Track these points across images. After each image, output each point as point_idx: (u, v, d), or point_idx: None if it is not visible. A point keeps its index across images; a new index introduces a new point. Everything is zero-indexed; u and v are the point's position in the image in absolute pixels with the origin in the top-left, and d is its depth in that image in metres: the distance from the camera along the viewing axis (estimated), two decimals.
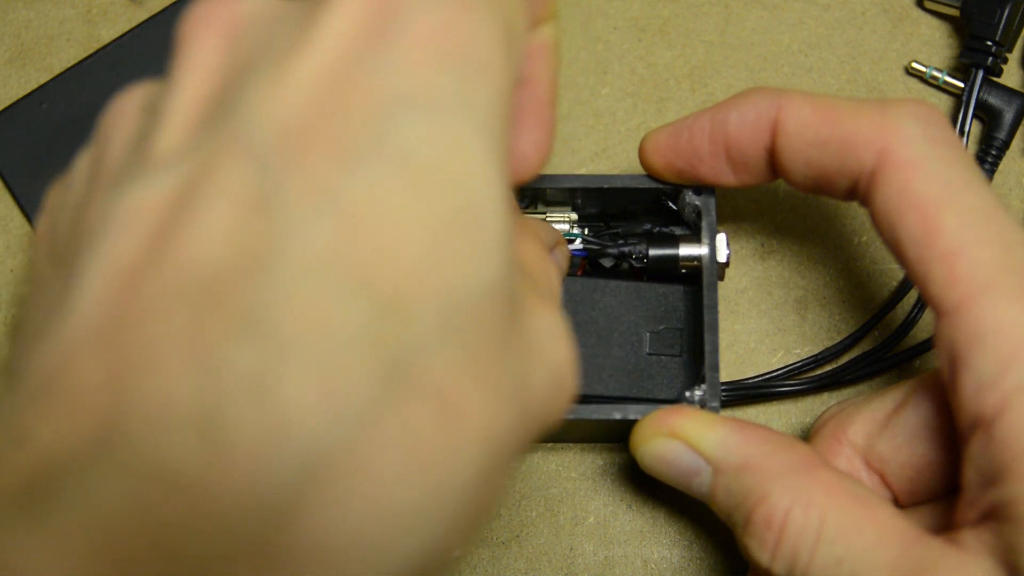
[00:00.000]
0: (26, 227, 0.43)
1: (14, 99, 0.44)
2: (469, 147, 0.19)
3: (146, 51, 0.44)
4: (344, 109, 0.19)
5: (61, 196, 0.23)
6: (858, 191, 0.31)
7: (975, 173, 0.30)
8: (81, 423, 0.17)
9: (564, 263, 0.34)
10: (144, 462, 0.17)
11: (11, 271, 0.43)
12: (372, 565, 0.18)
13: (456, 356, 0.19)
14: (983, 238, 0.28)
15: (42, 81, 0.44)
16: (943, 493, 0.32)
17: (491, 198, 0.19)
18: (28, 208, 0.43)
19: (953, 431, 0.29)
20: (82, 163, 0.23)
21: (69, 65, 0.45)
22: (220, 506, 0.17)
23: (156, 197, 0.18)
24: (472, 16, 0.20)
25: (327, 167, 0.18)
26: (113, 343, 0.17)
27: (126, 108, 0.23)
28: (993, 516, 0.27)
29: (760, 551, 0.30)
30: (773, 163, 0.33)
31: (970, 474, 0.28)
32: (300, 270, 0.17)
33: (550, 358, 0.22)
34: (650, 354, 0.37)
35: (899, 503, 0.33)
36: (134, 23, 0.45)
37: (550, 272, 0.27)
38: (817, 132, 0.31)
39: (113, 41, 0.45)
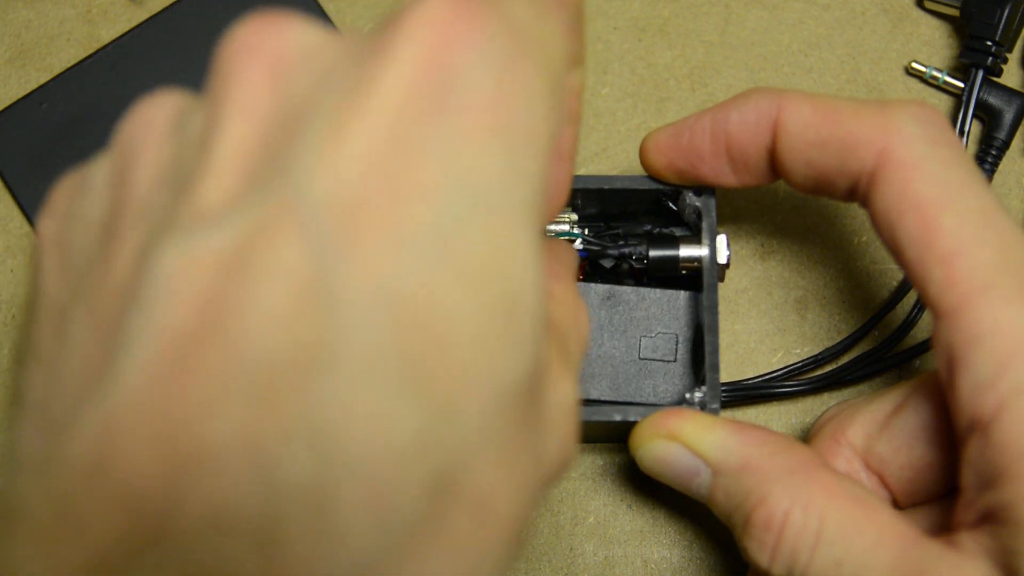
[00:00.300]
0: (26, 227, 0.43)
1: (14, 99, 0.44)
2: (514, 233, 0.19)
3: (146, 51, 0.44)
4: (397, 188, 0.18)
5: (74, 202, 0.22)
6: (858, 192, 0.31)
7: (975, 174, 0.30)
8: (139, 520, 0.17)
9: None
10: (200, 569, 0.17)
11: (11, 271, 0.43)
12: None
13: (493, 455, 0.19)
14: (982, 239, 0.28)
15: (42, 81, 0.44)
16: (942, 494, 0.32)
17: (531, 283, 0.19)
18: (28, 208, 0.43)
19: (952, 432, 0.29)
20: (101, 173, 0.22)
21: (69, 65, 0.45)
22: None
23: (206, 260, 0.18)
24: (526, 79, 0.19)
25: (381, 255, 0.18)
26: (165, 428, 0.17)
27: (154, 123, 0.21)
28: (990, 519, 0.27)
29: (759, 552, 0.30)
30: (773, 163, 0.33)
31: (968, 476, 0.28)
32: (357, 373, 0.17)
33: (561, 432, 0.22)
34: (643, 359, 0.37)
35: (898, 504, 0.33)
36: (134, 23, 0.45)
37: (580, 319, 0.26)
38: (817, 132, 0.31)
39: (113, 41, 0.45)
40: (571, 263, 0.31)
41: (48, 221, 0.23)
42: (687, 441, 0.32)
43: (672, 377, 0.37)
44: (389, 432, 0.17)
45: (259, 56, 0.20)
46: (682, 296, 0.37)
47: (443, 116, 0.18)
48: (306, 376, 0.17)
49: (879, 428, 0.32)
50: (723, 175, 0.34)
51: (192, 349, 0.17)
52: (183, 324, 0.17)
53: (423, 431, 0.18)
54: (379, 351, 0.17)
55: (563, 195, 0.26)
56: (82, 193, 0.22)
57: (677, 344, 0.37)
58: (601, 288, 0.37)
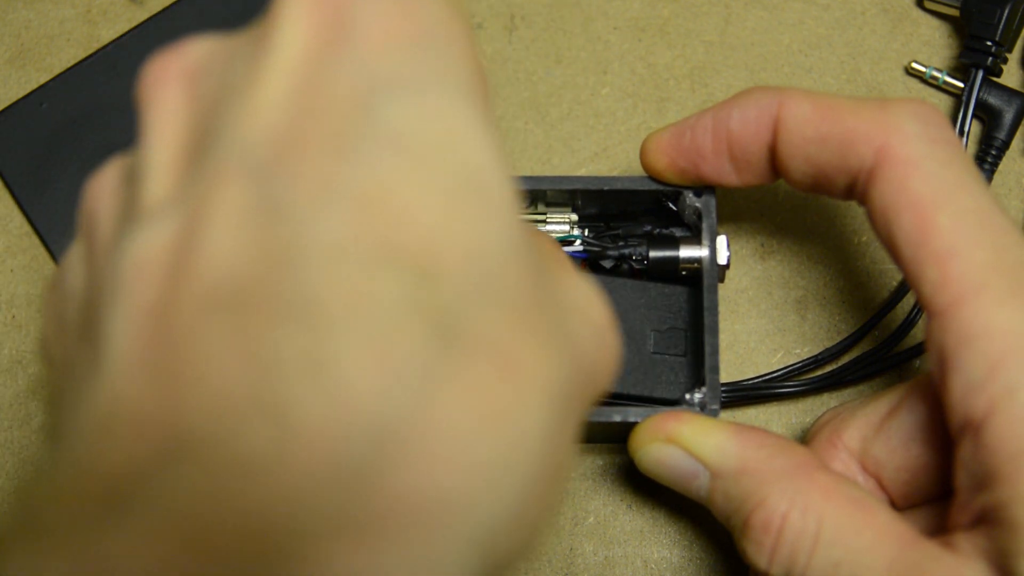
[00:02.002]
0: (26, 227, 0.43)
1: (14, 99, 0.44)
2: (457, 117, 0.19)
3: (146, 51, 0.44)
4: (324, 107, 0.19)
5: (57, 292, 0.23)
6: (856, 189, 0.31)
7: (972, 174, 0.30)
8: (149, 437, 0.17)
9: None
10: (217, 456, 0.17)
11: (11, 271, 0.43)
12: (457, 525, 0.18)
13: (500, 310, 0.19)
14: (976, 240, 0.28)
15: (42, 81, 0.44)
16: (939, 495, 0.32)
17: (489, 161, 0.19)
18: (28, 208, 0.43)
19: (948, 433, 0.29)
20: (73, 256, 0.23)
21: (69, 65, 0.44)
22: (299, 485, 0.17)
23: (160, 240, 0.18)
24: (424, 3, 0.20)
25: (324, 161, 0.18)
26: (158, 365, 0.18)
27: (101, 188, 0.22)
28: (985, 520, 0.27)
29: (758, 555, 0.30)
30: (774, 161, 0.33)
31: (961, 477, 0.28)
32: (327, 256, 0.17)
33: (590, 316, 0.22)
34: (655, 353, 0.37)
35: (896, 506, 0.33)
36: (134, 23, 0.45)
37: (564, 256, 0.27)
38: (817, 129, 0.31)
39: (113, 41, 0.45)
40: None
41: (45, 327, 0.24)
42: (685, 444, 0.32)
43: (684, 371, 0.37)
44: (372, 293, 0.17)
45: (168, 76, 0.21)
46: (690, 291, 0.37)
47: (348, 43, 0.19)
48: (277, 273, 0.17)
49: (875, 430, 0.32)
50: (725, 174, 0.34)
51: (164, 302, 0.18)
52: (151, 291, 0.18)
53: (410, 291, 0.18)
54: (343, 234, 0.18)
55: None
56: (61, 281, 0.23)
57: (687, 339, 0.37)
58: (610, 280, 0.37)
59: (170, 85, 0.21)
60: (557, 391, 0.19)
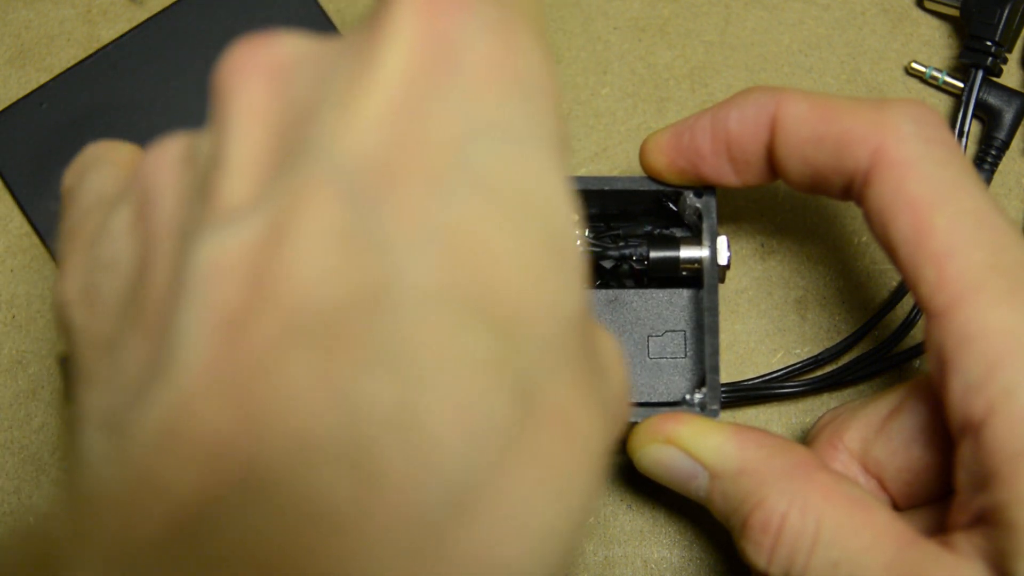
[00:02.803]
0: (26, 227, 0.43)
1: (14, 99, 0.44)
2: (547, 172, 0.19)
3: (146, 51, 0.44)
4: (422, 141, 0.18)
5: (96, 252, 0.22)
6: (853, 190, 0.31)
7: (969, 174, 0.30)
8: (221, 465, 0.17)
9: None
10: (295, 501, 0.17)
11: (11, 271, 0.43)
12: None
13: (568, 375, 0.19)
14: (974, 240, 0.28)
15: (42, 81, 0.44)
16: (941, 496, 0.32)
17: (570, 223, 0.20)
18: (28, 208, 0.43)
19: (949, 434, 0.29)
20: (118, 221, 0.22)
21: (69, 65, 0.44)
22: (373, 537, 0.17)
23: (241, 243, 0.18)
24: (521, 38, 0.20)
25: (418, 197, 0.18)
26: (236, 387, 0.17)
27: (163, 162, 0.21)
28: (984, 520, 0.27)
29: (757, 555, 0.30)
30: (772, 161, 0.33)
31: (961, 477, 0.28)
32: (419, 302, 0.17)
33: (615, 377, 0.23)
34: (653, 358, 0.37)
35: (897, 506, 0.33)
36: (134, 23, 0.45)
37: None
38: (813, 129, 0.31)
39: (113, 41, 0.45)
40: None
41: (67, 282, 0.23)
42: (684, 445, 0.32)
43: (685, 372, 0.37)
44: (463, 348, 0.17)
45: (255, 68, 0.20)
46: (685, 293, 0.37)
47: (452, 77, 0.19)
48: (369, 311, 0.17)
49: (875, 431, 0.32)
50: (724, 174, 0.34)
51: (245, 316, 0.17)
52: (231, 299, 0.17)
53: (497, 348, 0.18)
54: (436, 280, 0.17)
55: None
56: (102, 244, 0.22)
57: (686, 340, 0.37)
58: (603, 293, 0.38)
59: (256, 78, 0.20)
60: (601, 452, 0.20)
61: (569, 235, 0.19)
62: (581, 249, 0.20)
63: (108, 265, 0.22)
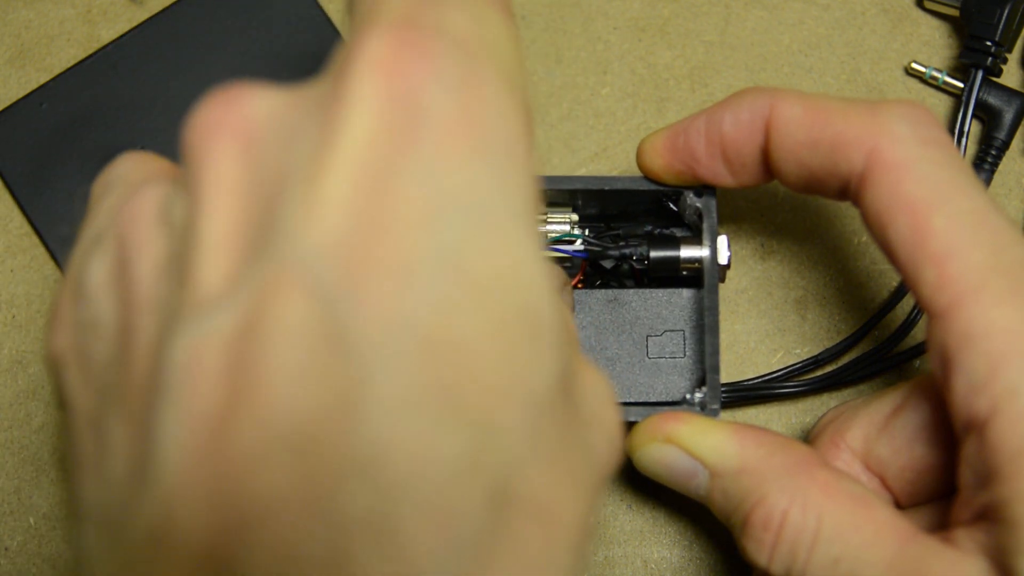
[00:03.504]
0: (26, 227, 0.43)
1: (14, 99, 0.44)
2: (518, 243, 0.19)
3: (146, 51, 0.44)
4: (389, 222, 0.18)
5: (78, 309, 0.22)
6: (849, 192, 0.31)
7: (966, 174, 0.30)
8: (206, 574, 0.17)
9: (569, 306, 0.35)
10: None
11: (11, 271, 0.43)
12: None
13: (545, 461, 0.19)
14: (973, 240, 0.28)
15: (42, 81, 0.44)
16: (943, 494, 0.32)
17: (544, 289, 0.19)
18: (28, 208, 0.43)
19: (951, 432, 0.29)
20: (98, 275, 0.22)
21: (69, 65, 0.44)
22: None
23: (217, 339, 0.18)
24: (489, 93, 0.20)
25: (387, 291, 0.18)
26: (216, 495, 0.17)
27: (142, 219, 0.21)
28: (985, 517, 0.27)
29: (758, 552, 0.30)
30: (767, 163, 0.33)
31: (964, 475, 0.28)
32: (391, 405, 0.17)
33: (605, 423, 0.22)
34: (652, 358, 0.37)
35: (899, 505, 0.33)
36: (134, 23, 0.45)
37: (570, 323, 0.27)
38: (808, 132, 0.31)
39: (113, 41, 0.45)
40: (556, 282, 0.31)
41: (58, 335, 0.23)
42: (684, 444, 0.32)
43: (684, 372, 0.37)
44: (437, 453, 0.17)
45: (225, 132, 0.20)
46: (685, 293, 0.37)
47: (415, 145, 0.18)
48: (344, 418, 0.17)
49: (878, 430, 0.32)
50: (720, 176, 0.34)
51: (224, 421, 0.17)
52: (209, 402, 0.18)
53: (469, 447, 0.18)
54: (409, 381, 0.17)
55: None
56: (83, 299, 0.22)
57: (685, 340, 0.37)
58: (602, 293, 0.38)
59: (226, 143, 0.20)
60: (584, 528, 0.20)
61: (545, 310, 0.19)
62: (558, 312, 0.20)
63: (92, 325, 0.22)
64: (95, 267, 0.22)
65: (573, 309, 0.35)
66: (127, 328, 0.21)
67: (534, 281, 0.19)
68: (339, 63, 0.19)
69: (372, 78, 0.19)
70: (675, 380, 0.37)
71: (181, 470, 0.18)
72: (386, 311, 0.18)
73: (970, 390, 0.27)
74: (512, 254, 0.19)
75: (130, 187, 0.23)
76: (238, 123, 0.20)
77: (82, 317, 0.22)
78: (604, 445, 0.22)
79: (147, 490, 0.18)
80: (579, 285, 0.38)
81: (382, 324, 0.17)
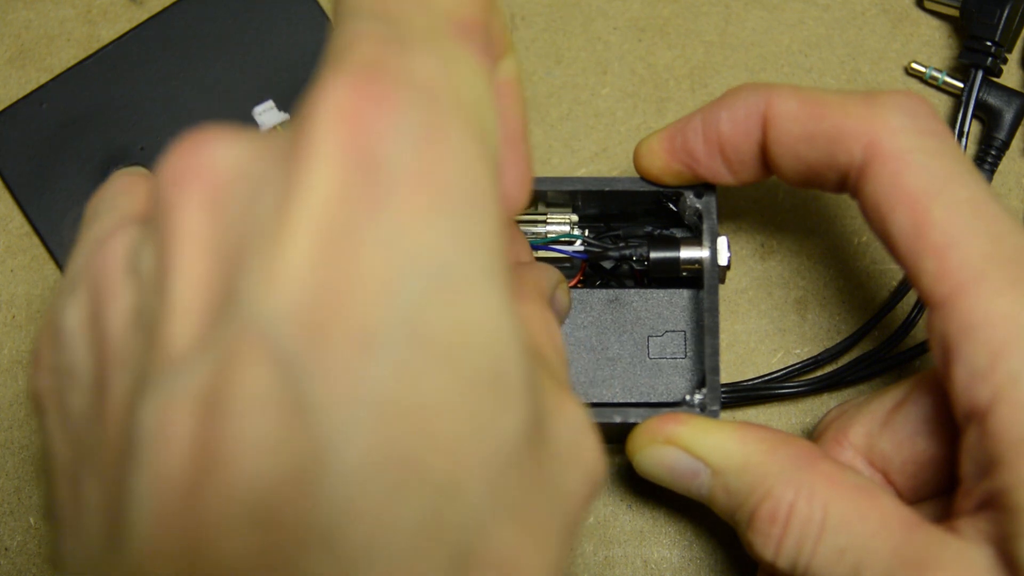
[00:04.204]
0: (26, 227, 0.43)
1: (14, 99, 0.44)
2: (482, 301, 0.19)
3: (146, 51, 0.44)
4: (349, 288, 0.18)
5: (56, 354, 0.23)
6: (848, 184, 0.32)
7: (964, 164, 0.30)
8: None
9: (565, 304, 0.34)
10: None
11: (11, 271, 0.43)
12: None
13: (509, 516, 0.19)
14: (973, 230, 0.28)
15: (42, 81, 0.44)
16: (945, 489, 0.32)
17: (510, 343, 0.19)
18: (28, 208, 0.43)
19: (954, 426, 0.30)
20: (72, 320, 0.22)
21: (69, 65, 0.44)
22: None
23: (184, 403, 0.18)
24: (452, 141, 0.19)
25: (348, 358, 0.18)
26: (185, 564, 0.18)
27: (111, 268, 0.22)
28: (988, 505, 0.28)
29: (765, 546, 0.30)
30: (765, 159, 0.33)
31: (966, 464, 0.29)
32: (352, 476, 0.17)
33: (582, 458, 0.22)
34: (653, 358, 0.37)
35: (903, 500, 0.33)
36: (134, 23, 0.45)
37: (556, 340, 0.27)
38: (804, 126, 0.31)
39: (113, 41, 0.45)
40: (538, 282, 0.31)
41: (39, 377, 0.23)
42: (685, 444, 0.32)
43: (685, 373, 0.37)
44: (396, 521, 0.18)
45: (191, 184, 0.20)
46: (686, 294, 0.37)
47: (375, 205, 0.18)
48: (304, 487, 0.17)
49: (880, 425, 0.32)
50: (720, 174, 0.34)
51: (191, 489, 0.18)
52: (175, 471, 0.18)
53: (430, 514, 0.18)
54: (367, 450, 0.17)
55: (526, 185, 0.26)
56: (60, 344, 0.22)
57: (686, 340, 0.37)
58: (604, 292, 0.38)
59: (194, 197, 0.20)
60: (555, 570, 0.20)
61: (510, 364, 0.19)
62: (525, 361, 0.20)
63: (68, 371, 0.22)
64: (70, 313, 0.22)
65: (569, 308, 0.35)
66: (100, 381, 0.21)
67: (499, 338, 0.19)
68: (303, 110, 0.19)
69: (333, 131, 0.18)
70: (676, 381, 0.37)
71: (151, 537, 0.18)
72: (346, 379, 0.18)
73: (971, 379, 0.27)
74: (476, 312, 0.19)
75: (105, 227, 0.23)
76: (205, 174, 0.20)
77: (59, 362, 0.22)
78: (579, 481, 0.22)
79: (119, 554, 0.18)
80: (579, 286, 0.38)
81: (341, 392, 0.17)
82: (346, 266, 0.18)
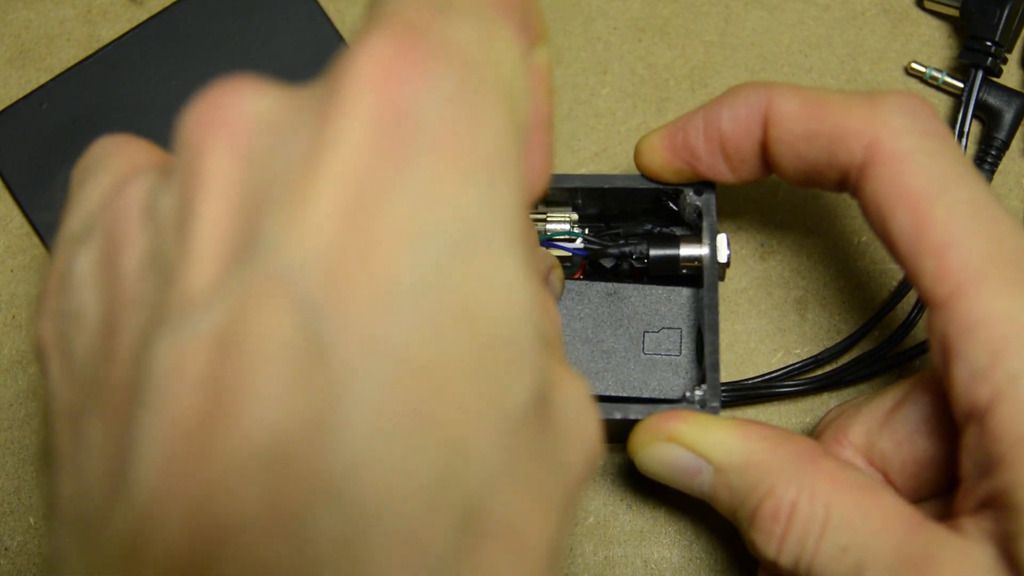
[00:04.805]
0: (26, 227, 0.43)
1: (14, 99, 0.44)
2: (501, 267, 0.19)
3: (146, 51, 0.44)
4: (373, 241, 0.18)
5: (64, 299, 0.22)
6: (848, 184, 0.32)
7: (965, 165, 0.30)
8: None
9: (558, 289, 0.34)
10: None
11: (11, 271, 0.43)
12: None
13: (516, 482, 0.19)
14: (973, 230, 0.28)
15: (42, 81, 0.44)
16: (945, 489, 0.32)
17: (526, 312, 0.19)
18: (28, 208, 0.43)
19: (954, 425, 0.30)
20: (83, 265, 0.22)
21: (69, 65, 0.45)
22: None
23: (199, 346, 0.18)
24: (485, 108, 0.19)
25: (368, 311, 0.18)
26: (191, 510, 0.17)
27: (128, 214, 0.21)
28: (989, 504, 0.28)
29: (767, 544, 0.30)
30: (765, 157, 0.33)
31: (967, 464, 0.29)
32: (366, 429, 0.17)
33: (582, 434, 0.22)
34: (648, 354, 0.37)
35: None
36: (134, 23, 0.45)
37: (555, 319, 0.27)
38: (805, 126, 0.31)
39: (113, 41, 0.45)
40: (540, 268, 0.31)
41: (44, 323, 0.23)
42: (687, 442, 0.32)
43: (678, 371, 0.37)
44: (407, 478, 0.17)
45: (220, 129, 0.20)
46: (684, 292, 0.37)
47: (405, 160, 0.18)
48: (317, 438, 0.17)
49: (880, 425, 0.32)
50: (721, 172, 0.34)
51: (201, 435, 0.17)
52: (188, 412, 0.18)
53: (440, 472, 0.18)
54: (383, 404, 0.17)
55: (546, 171, 0.26)
56: (69, 289, 0.22)
57: (681, 338, 0.37)
58: (603, 285, 0.38)
59: (221, 142, 0.20)
60: (555, 547, 0.20)
61: (523, 329, 0.19)
62: (537, 330, 0.20)
63: (75, 315, 0.22)
64: (81, 259, 0.22)
65: (560, 294, 0.35)
66: (110, 323, 0.21)
67: (516, 305, 0.19)
68: (339, 65, 0.19)
69: (368, 85, 0.18)
70: (669, 377, 0.37)
71: (159, 480, 0.18)
72: (366, 330, 0.17)
73: (971, 379, 0.27)
74: (496, 277, 0.19)
75: (116, 176, 0.23)
76: (234, 121, 0.20)
77: (66, 307, 0.22)
78: (580, 456, 0.22)
79: (124, 497, 0.18)
80: (579, 277, 0.38)
81: (361, 343, 0.17)
82: (372, 218, 0.18)
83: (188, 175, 0.20)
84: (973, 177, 0.29)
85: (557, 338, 0.26)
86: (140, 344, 0.19)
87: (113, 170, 0.23)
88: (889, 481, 0.33)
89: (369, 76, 0.18)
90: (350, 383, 0.17)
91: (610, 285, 0.37)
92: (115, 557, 0.18)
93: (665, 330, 0.37)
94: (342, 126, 0.18)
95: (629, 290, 0.37)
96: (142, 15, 0.45)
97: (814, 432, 0.35)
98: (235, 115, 0.20)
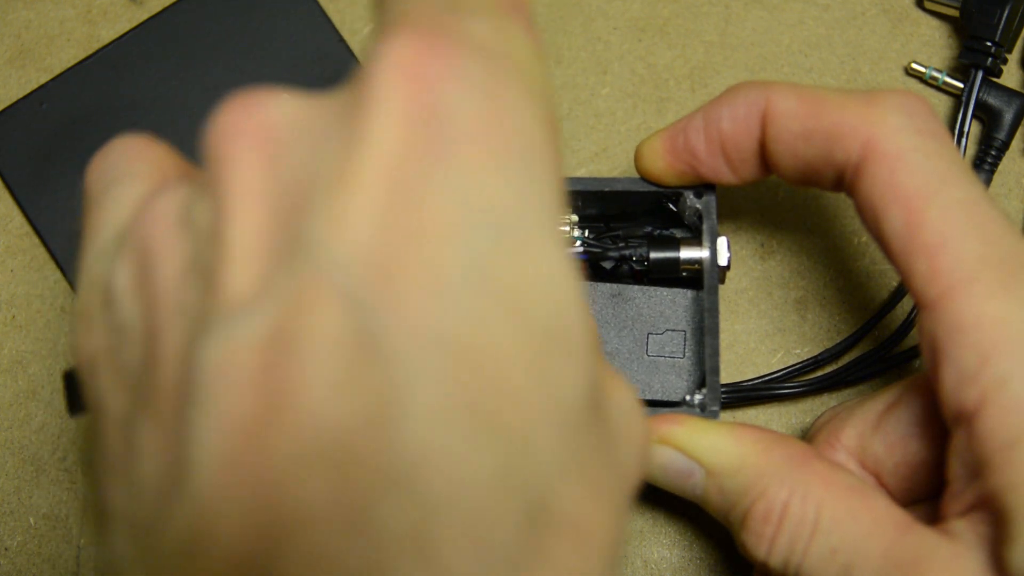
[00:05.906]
0: (26, 227, 0.43)
1: (14, 99, 0.44)
2: (546, 255, 0.19)
3: (146, 51, 0.44)
4: (418, 233, 0.18)
5: (106, 312, 0.22)
6: (844, 182, 0.32)
7: (960, 165, 0.30)
8: None
9: None
10: None
11: (11, 271, 0.43)
12: None
13: (577, 478, 0.19)
14: (966, 231, 0.28)
15: (42, 81, 0.44)
16: (937, 492, 0.32)
17: (573, 298, 0.19)
18: (28, 208, 0.43)
19: (946, 428, 0.30)
20: (121, 278, 0.22)
21: (69, 65, 0.44)
22: None
23: (250, 345, 0.18)
24: (513, 98, 0.19)
25: (420, 301, 0.18)
26: (254, 506, 0.17)
27: (161, 221, 0.21)
28: (978, 508, 0.28)
29: (757, 546, 0.30)
30: (763, 156, 0.33)
31: (955, 467, 0.29)
32: (427, 419, 0.17)
33: (633, 437, 0.22)
34: (651, 356, 0.37)
35: (896, 503, 0.33)
36: (134, 23, 0.45)
37: (595, 331, 0.27)
38: (803, 123, 0.31)
39: (113, 41, 0.45)
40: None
41: (89, 337, 0.23)
42: (680, 445, 0.32)
43: (682, 372, 0.37)
44: (473, 468, 0.17)
45: (248, 137, 0.20)
46: (688, 294, 0.37)
47: (441, 154, 0.18)
48: (380, 431, 0.17)
49: (872, 428, 0.32)
50: (721, 173, 0.34)
51: (258, 430, 0.17)
52: (244, 409, 0.17)
53: (503, 463, 0.18)
54: (443, 395, 0.17)
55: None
56: (109, 302, 0.22)
57: (685, 340, 0.37)
58: (607, 287, 0.38)
59: (249, 149, 0.20)
60: (615, 545, 0.20)
61: (574, 320, 0.19)
62: (586, 322, 0.20)
63: (120, 329, 0.22)
64: (120, 272, 0.22)
65: None
66: (153, 332, 0.20)
67: (564, 294, 0.19)
68: (364, 67, 0.19)
69: (397, 84, 0.19)
70: (672, 380, 0.37)
71: (217, 477, 0.17)
72: (419, 322, 0.17)
73: (960, 381, 0.27)
74: (541, 266, 0.19)
75: (143, 186, 0.23)
76: (260, 128, 0.20)
77: (111, 321, 0.22)
78: (632, 459, 0.22)
79: (181, 497, 0.18)
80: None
81: (415, 336, 0.17)
82: (414, 212, 0.18)
83: (219, 184, 0.20)
84: (968, 178, 0.29)
85: (595, 336, 0.26)
86: (187, 348, 0.19)
87: (141, 179, 0.23)
88: (882, 484, 0.33)
89: (396, 75, 0.19)
90: (408, 375, 0.17)
91: (614, 286, 0.37)
92: (175, 556, 0.18)
93: (669, 332, 0.37)
94: (376, 124, 0.18)
95: (633, 292, 0.37)
96: (142, 15, 0.45)
97: (807, 435, 0.35)
98: (260, 122, 0.20)
